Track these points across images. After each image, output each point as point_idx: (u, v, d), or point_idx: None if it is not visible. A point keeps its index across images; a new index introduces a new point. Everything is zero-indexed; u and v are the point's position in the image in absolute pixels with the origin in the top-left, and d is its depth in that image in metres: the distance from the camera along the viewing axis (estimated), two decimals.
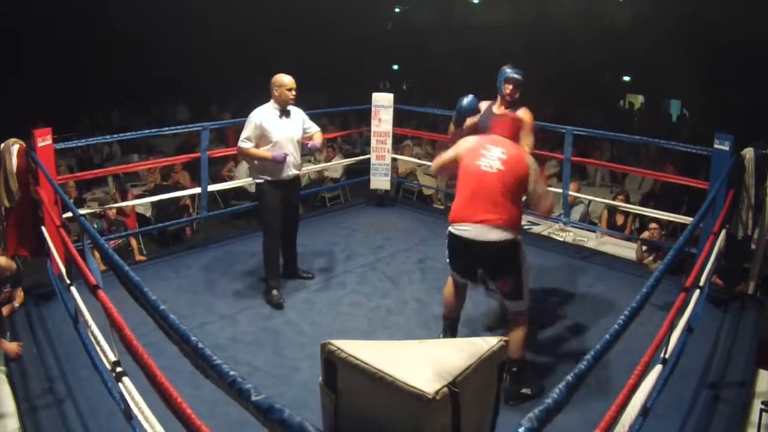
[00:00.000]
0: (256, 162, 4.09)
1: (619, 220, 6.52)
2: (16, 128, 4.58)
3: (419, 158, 8.53)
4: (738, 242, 4.14)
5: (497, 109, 3.66)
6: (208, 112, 13.35)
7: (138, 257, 5.74)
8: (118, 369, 2.12)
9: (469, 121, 3.62)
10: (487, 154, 2.99)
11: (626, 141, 7.65)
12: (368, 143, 6.45)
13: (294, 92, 4.05)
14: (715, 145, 4.17)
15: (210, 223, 7.31)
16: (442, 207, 7.48)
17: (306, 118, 4.28)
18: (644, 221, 6.19)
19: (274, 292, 4.15)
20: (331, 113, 11.37)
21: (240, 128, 4.15)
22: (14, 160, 3.83)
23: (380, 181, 6.42)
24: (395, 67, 18.82)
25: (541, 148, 3.65)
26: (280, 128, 4.04)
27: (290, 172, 4.12)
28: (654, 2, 12.66)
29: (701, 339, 3.47)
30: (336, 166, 8.75)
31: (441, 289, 3.43)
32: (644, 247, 5.56)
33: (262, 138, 4.01)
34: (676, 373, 2.74)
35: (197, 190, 5.40)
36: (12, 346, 3.35)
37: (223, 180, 7.74)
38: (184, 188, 6.79)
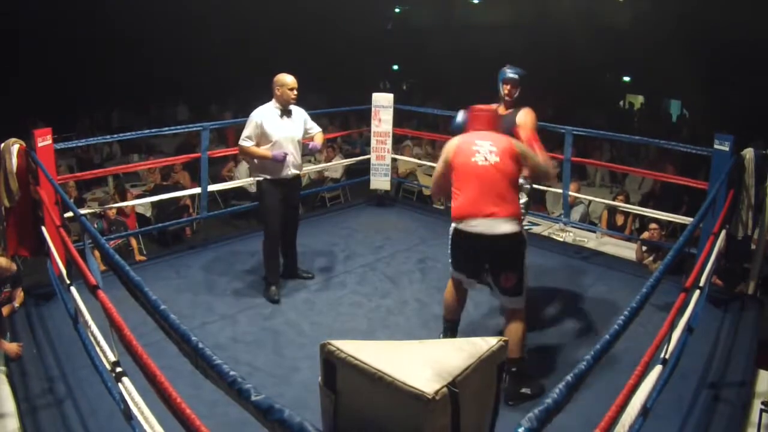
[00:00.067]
0: (256, 161, 4.10)
1: (619, 220, 6.52)
2: (16, 128, 4.58)
3: (419, 158, 8.53)
4: (738, 242, 4.14)
5: (501, 110, 3.65)
6: (208, 112, 13.36)
7: (138, 257, 5.75)
8: (118, 369, 2.12)
9: None
10: (478, 149, 3.00)
11: (626, 141, 7.65)
12: (368, 143, 6.45)
13: (295, 92, 4.07)
14: (715, 146, 4.17)
15: (210, 223, 7.31)
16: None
17: (308, 118, 4.28)
18: (644, 221, 6.19)
19: (273, 288, 4.21)
20: (331, 113, 11.37)
21: (240, 128, 4.16)
22: (14, 160, 3.83)
23: (380, 181, 6.42)
24: (395, 67, 18.83)
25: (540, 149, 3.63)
26: (281, 127, 4.05)
27: (290, 171, 4.12)
28: (654, 2, 12.66)
29: (701, 339, 3.47)
30: (336, 166, 8.75)
31: (441, 289, 3.42)
32: (644, 248, 5.57)
33: (262, 137, 4.02)
34: (676, 373, 2.74)
35: (197, 190, 5.40)
36: (12, 347, 3.35)
37: (223, 180, 7.74)
38: (184, 188, 6.79)
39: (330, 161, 8.67)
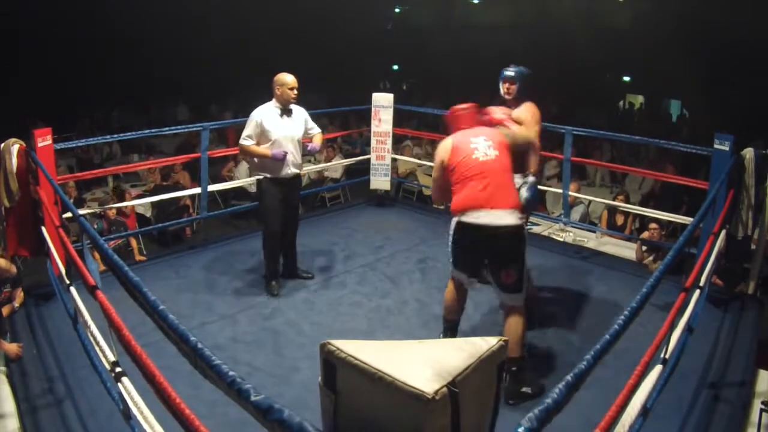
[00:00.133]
0: (256, 160, 4.11)
1: (619, 220, 6.52)
2: (16, 128, 4.58)
3: (419, 158, 8.53)
4: (738, 242, 4.14)
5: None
6: (208, 112, 13.35)
7: (138, 257, 5.74)
8: (117, 369, 2.12)
9: None
10: (476, 146, 3.03)
11: (626, 141, 7.65)
12: (368, 143, 6.45)
13: (296, 91, 4.08)
14: (715, 145, 4.17)
15: (210, 223, 7.31)
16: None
17: (308, 118, 4.30)
18: (644, 221, 6.19)
19: (273, 283, 4.27)
20: (331, 113, 11.37)
21: (240, 128, 4.18)
22: (14, 160, 3.83)
23: (380, 181, 6.42)
24: (395, 67, 18.82)
25: (541, 148, 3.63)
26: (280, 127, 4.06)
27: (290, 170, 4.13)
28: (654, 2, 12.66)
29: (701, 339, 3.47)
30: (336, 166, 8.75)
31: (441, 289, 3.42)
32: (644, 248, 5.56)
33: (262, 136, 4.03)
34: (676, 373, 2.74)
35: (197, 190, 5.40)
36: (12, 348, 3.35)
37: (223, 180, 7.74)
38: (184, 188, 6.79)
39: (330, 161, 8.67)
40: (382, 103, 6.18)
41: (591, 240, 5.94)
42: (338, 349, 1.50)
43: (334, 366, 1.51)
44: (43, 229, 3.92)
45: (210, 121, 7.34)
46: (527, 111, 3.50)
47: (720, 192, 3.88)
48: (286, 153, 4.04)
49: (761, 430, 2.81)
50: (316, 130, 4.33)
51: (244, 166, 7.91)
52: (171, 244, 6.85)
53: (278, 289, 4.27)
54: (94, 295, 2.10)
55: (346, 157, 9.12)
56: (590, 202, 6.98)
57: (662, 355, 2.41)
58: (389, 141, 6.26)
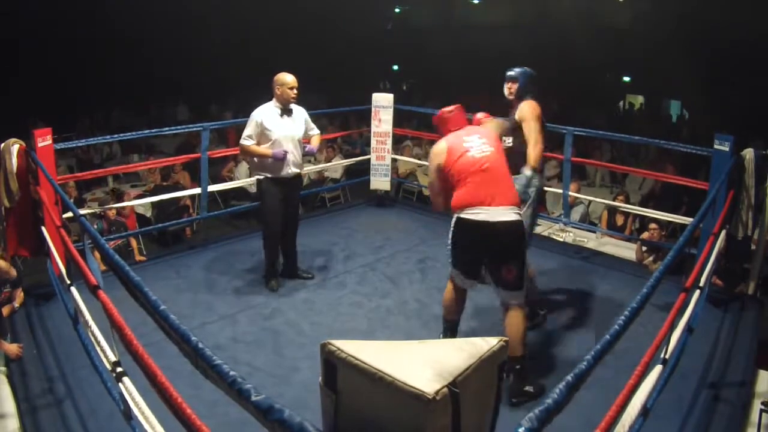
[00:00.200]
0: (256, 160, 4.12)
1: (619, 220, 6.52)
2: (16, 128, 4.58)
3: (419, 158, 8.52)
4: (738, 242, 4.14)
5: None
6: (208, 112, 13.35)
7: (138, 257, 5.74)
8: (118, 369, 2.12)
9: None
10: (470, 144, 3.04)
11: (626, 141, 7.65)
12: (368, 143, 6.45)
13: (296, 91, 4.09)
14: (715, 146, 4.18)
15: (210, 223, 7.31)
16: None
17: (308, 118, 4.31)
18: (644, 222, 6.19)
19: (272, 281, 4.33)
20: (331, 113, 11.37)
21: (240, 128, 4.19)
22: (14, 160, 3.83)
23: (380, 181, 6.42)
24: (395, 67, 18.82)
25: (543, 144, 3.60)
26: (281, 126, 4.07)
27: (291, 170, 4.14)
28: (654, 2, 12.66)
29: (701, 339, 3.47)
30: (336, 166, 8.75)
31: (441, 290, 3.42)
32: (644, 248, 5.56)
33: (263, 136, 4.04)
34: (676, 373, 2.74)
35: (197, 190, 5.40)
36: (12, 348, 3.35)
37: (224, 180, 7.74)
38: (184, 188, 6.79)
39: (330, 161, 8.67)
40: (382, 103, 6.18)
41: (591, 240, 5.94)
42: (339, 349, 1.50)
43: (334, 366, 1.51)
44: (43, 229, 3.92)
45: (210, 121, 7.34)
46: (526, 107, 3.50)
47: (720, 192, 3.88)
48: (286, 152, 4.05)
49: (761, 430, 2.81)
50: (315, 131, 4.35)
51: (244, 166, 7.91)
52: (171, 244, 6.85)
53: (278, 287, 4.31)
54: (96, 294, 2.10)
55: (346, 157, 9.12)
56: (590, 202, 6.98)
57: (662, 355, 2.42)
58: (389, 141, 6.26)
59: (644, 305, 1.87)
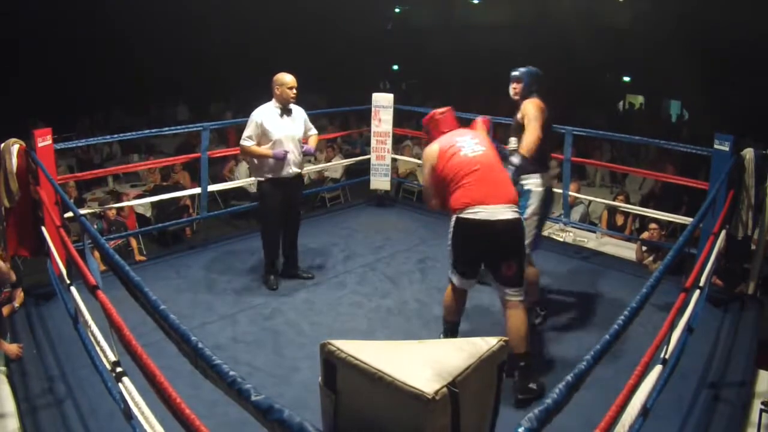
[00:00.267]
0: (256, 161, 4.13)
1: (619, 220, 6.52)
2: (16, 128, 4.58)
3: (419, 158, 8.51)
4: (738, 242, 4.14)
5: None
6: (208, 112, 13.35)
7: (138, 257, 5.75)
8: (118, 369, 2.12)
9: None
10: (462, 144, 3.05)
11: (626, 141, 7.65)
12: (368, 143, 6.46)
13: (295, 91, 4.09)
14: (715, 146, 4.18)
15: (210, 223, 7.32)
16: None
17: (307, 118, 4.31)
18: (644, 222, 6.20)
19: (272, 278, 4.35)
20: (331, 113, 11.38)
21: (240, 128, 4.19)
22: (14, 160, 3.83)
23: (380, 181, 6.42)
24: (395, 67, 18.82)
25: (544, 139, 3.57)
26: (281, 126, 4.07)
27: (291, 170, 4.15)
28: (654, 2, 12.65)
29: (701, 339, 3.47)
30: (336, 166, 8.75)
31: (441, 290, 3.42)
32: (644, 248, 5.57)
33: (263, 136, 4.05)
34: (676, 373, 2.74)
35: (197, 190, 5.41)
36: (12, 348, 3.35)
37: (224, 180, 7.74)
38: (184, 188, 6.79)
39: (330, 161, 8.67)
40: (382, 103, 6.18)
41: (591, 240, 5.94)
42: (338, 349, 1.50)
43: (334, 366, 1.51)
44: (43, 229, 3.92)
45: (210, 121, 7.34)
46: (529, 104, 3.48)
47: (720, 192, 3.88)
48: (287, 152, 4.05)
49: (761, 430, 2.81)
50: (312, 131, 4.36)
51: (244, 165, 7.92)
52: (171, 244, 6.85)
53: (277, 284, 4.32)
54: (95, 294, 2.10)
55: (346, 157, 9.12)
56: (590, 202, 6.98)
57: (662, 355, 2.41)
58: (389, 141, 6.27)
59: (644, 305, 1.87)
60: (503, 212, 2.92)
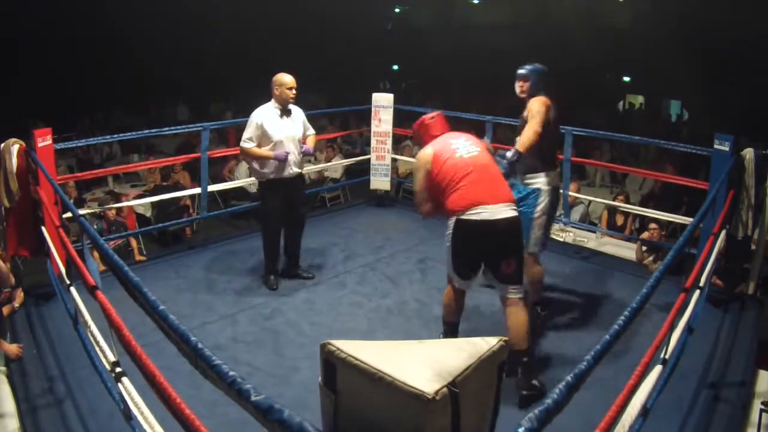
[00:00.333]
0: (255, 164, 4.13)
1: (619, 220, 6.52)
2: (16, 128, 4.58)
3: None
4: (738, 242, 4.14)
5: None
6: (208, 112, 13.34)
7: (138, 257, 5.75)
8: (118, 369, 2.12)
9: None
10: (457, 147, 3.06)
11: (626, 141, 7.65)
12: (368, 143, 6.46)
13: (294, 91, 4.09)
14: (715, 146, 4.17)
15: (210, 223, 7.31)
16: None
17: (305, 118, 4.31)
18: (644, 222, 6.19)
19: (272, 277, 4.34)
20: (331, 113, 11.38)
21: (240, 128, 4.18)
22: (14, 160, 3.83)
23: (380, 181, 6.42)
24: (395, 67, 18.83)
25: (545, 137, 3.54)
26: (281, 128, 4.07)
27: (292, 170, 4.15)
28: (654, 2, 12.66)
29: (701, 339, 3.47)
30: (336, 166, 8.75)
31: (441, 290, 3.42)
32: (644, 248, 5.56)
33: (263, 137, 4.04)
34: (676, 373, 2.74)
35: (197, 190, 5.40)
36: (12, 348, 3.35)
37: (224, 180, 7.74)
38: (184, 188, 6.79)
39: (330, 161, 8.67)
40: (382, 103, 6.18)
41: (591, 240, 5.94)
42: (338, 349, 1.50)
43: (334, 366, 1.51)
44: (43, 229, 3.92)
45: (210, 121, 7.33)
46: (535, 102, 3.46)
47: (720, 192, 3.88)
48: (288, 153, 4.06)
49: (761, 430, 2.81)
50: (310, 131, 4.36)
51: (244, 165, 7.91)
52: (171, 244, 6.85)
53: (277, 284, 4.32)
54: (94, 295, 2.10)
55: (346, 157, 9.11)
56: (590, 202, 6.98)
57: (662, 355, 2.41)
58: (389, 141, 6.27)
59: (644, 305, 1.87)
60: (503, 211, 2.93)
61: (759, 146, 4.21)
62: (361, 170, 7.07)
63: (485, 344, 1.57)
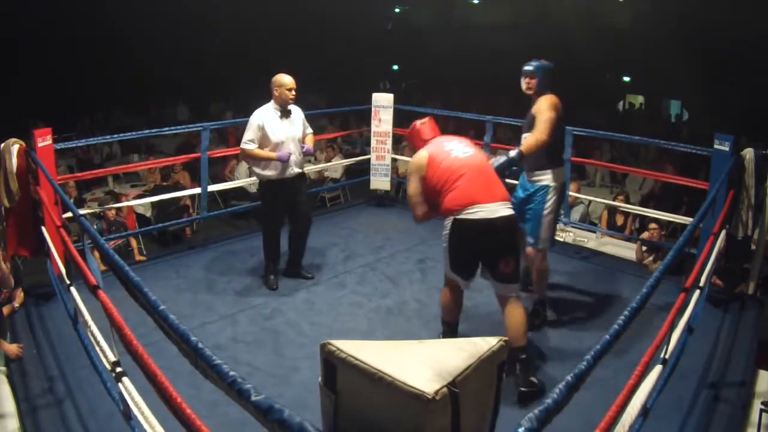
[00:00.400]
0: (257, 168, 4.13)
1: (619, 220, 6.52)
2: (16, 128, 4.58)
3: None
4: (738, 242, 4.14)
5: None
6: (208, 112, 13.34)
7: (138, 257, 5.75)
8: (118, 369, 2.12)
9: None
10: (451, 148, 3.08)
11: (626, 141, 7.65)
12: (368, 143, 6.46)
13: (294, 92, 4.09)
14: (715, 146, 4.17)
15: (210, 223, 7.32)
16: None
17: (304, 118, 4.31)
18: (644, 222, 6.20)
19: (271, 277, 4.34)
20: (331, 113, 11.38)
21: (240, 128, 4.18)
22: (14, 160, 3.83)
23: (380, 181, 6.42)
24: (395, 67, 18.83)
25: (552, 138, 3.52)
26: (282, 129, 4.08)
27: (293, 170, 4.15)
28: (654, 2, 12.66)
29: (701, 339, 3.47)
30: (336, 166, 8.75)
31: (441, 290, 3.42)
32: (644, 248, 5.56)
33: (264, 139, 4.04)
34: (676, 373, 2.74)
35: (197, 190, 5.41)
36: (12, 348, 3.35)
37: (224, 180, 7.74)
38: (184, 188, 6.79)
39: (330, 161, 8.67)
40: (382, 103, 6.18)
41: (591, 240, 5.94)
42: (338, 349, 1.50)
43: (334, 366, 1.51)
44: (43, 229, 3.92)
45: (210, 121, 7.34)
46: (544, 100, 3.45)
47: (720, 192, 3.88)
48: (290, 154, 4.06)
49: (761, 430, 2.81)
50: (308, 130, 4.36)
51: (244, 165, 7.92)
52: (171, 244, 6.85)
53: (277, 284, 4.32)
54: (96, 294, 2.10)
55: (346, 157, 9.12)
56: (590, 202, 6.98)
57: (662, 355, 2.41)
58: (389, 141, 6.27)
59: (644, 305, 1.87)
60: (500, 209, 2.93)
61: (759, 146, 4.21)
62: (361, 170, 7.07)
63: (485, 344, 1.57)
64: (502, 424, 1.66)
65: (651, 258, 5.43)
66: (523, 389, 2.96)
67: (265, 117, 4.04)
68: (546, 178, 3.52)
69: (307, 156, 4.38)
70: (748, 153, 4.03)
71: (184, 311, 3.93)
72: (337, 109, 10.22)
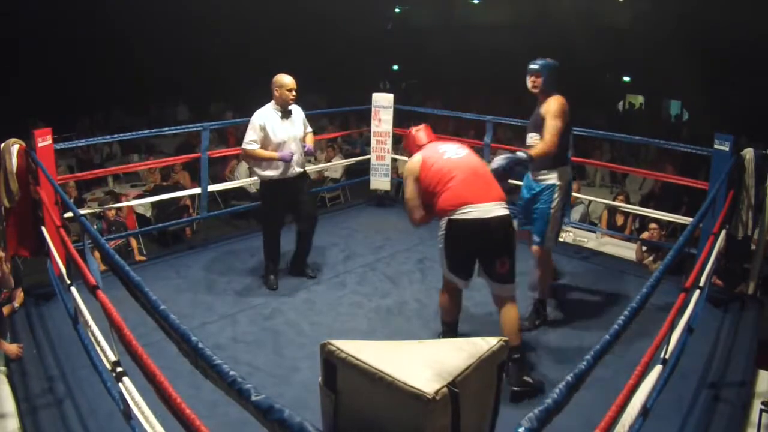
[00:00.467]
0: (258, 169, 4.14)
1: (619, 220, 6.52)
2: (16, 128, 4.58)
3: None
4: (738, 242, 4.14)
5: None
6: (208, 112, 13.34)
7: (138, 257, 5.75)
8: (118, 369, 2.12)
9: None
10: (445, 150, 3.10)
11: (626, 141, 7.65)
12: (368, 143, 6.46)
13: (294, 92, 4.09)
14: (715, 146, 4.17)
15: (210, 223, 7.31)
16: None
17: (304, 117, 4.32)
18: (644, 222, 6.20)
19: (272, 277, 4.34)
20: (331, 113, 11.38)
21: (240, 128, 4.19)
22: (14, 160, 3.83)
23: (380, 181, 6.42)
24: (395, 67, 18.83)
25: (560, 143, 3.51)
26: (283, 129, 4.09)
27: (295, 170, 4.16)
28: (654, 2, 12.66)
29: (701, 339, 3.47)
30: (336, 166, 8.75)
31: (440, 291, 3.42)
32: (644, 248, 5.56)
33: (265, 139, 4.05)
34: (676, 373, 2.74)
35: (197, 190, 5.41)
36: (12, 348, 3.35)
37: (224, 180, 7.74)
38: (184, 188, 6.79)
39: (330, 161, 8.67)
40: (382, 103, 6.18)
41: (591, 240, 5.94)
42: (338, 349, 1.50)
43: (334, 366, 1.51)
44: (43, 229, 3.92)
45: (210, 121, 7.34)
46: (554, 102, 3.44)
47: (720, 192, 3.88)
48: (293, 154, 4.07)
49: (761, 430, 2.81)
50: (308, 130, 4.37)
51: (244, 165, 7.92)
52: (171, 244, 6.85)
53: (277, 284, 4.32)
54: (95, 294, 2.10)
55: (346, 157, 9.11)
56: (590, 202, 6.98)
57: (662, 355, 2.41)
58: (389, 141, 6.27)
59: (644, 305, 1.87)
60: (495, 209, 2.94)
61: (759, 146, 4.21)
62: (361, 170, 7.07)
63: (485, 344, 1.57)
64: (502, 424, 1.66)
65: (651, 258, 5.43)
66: (515, 388, 2.96)
67: (266, 117, 4.05)
68: (552, 177, 3.53)
69: (308, 156, 4.38)
70: (748, 153, 4.03)
71: (184, 311, 3.93)
72: (337, 109, 10.22)
